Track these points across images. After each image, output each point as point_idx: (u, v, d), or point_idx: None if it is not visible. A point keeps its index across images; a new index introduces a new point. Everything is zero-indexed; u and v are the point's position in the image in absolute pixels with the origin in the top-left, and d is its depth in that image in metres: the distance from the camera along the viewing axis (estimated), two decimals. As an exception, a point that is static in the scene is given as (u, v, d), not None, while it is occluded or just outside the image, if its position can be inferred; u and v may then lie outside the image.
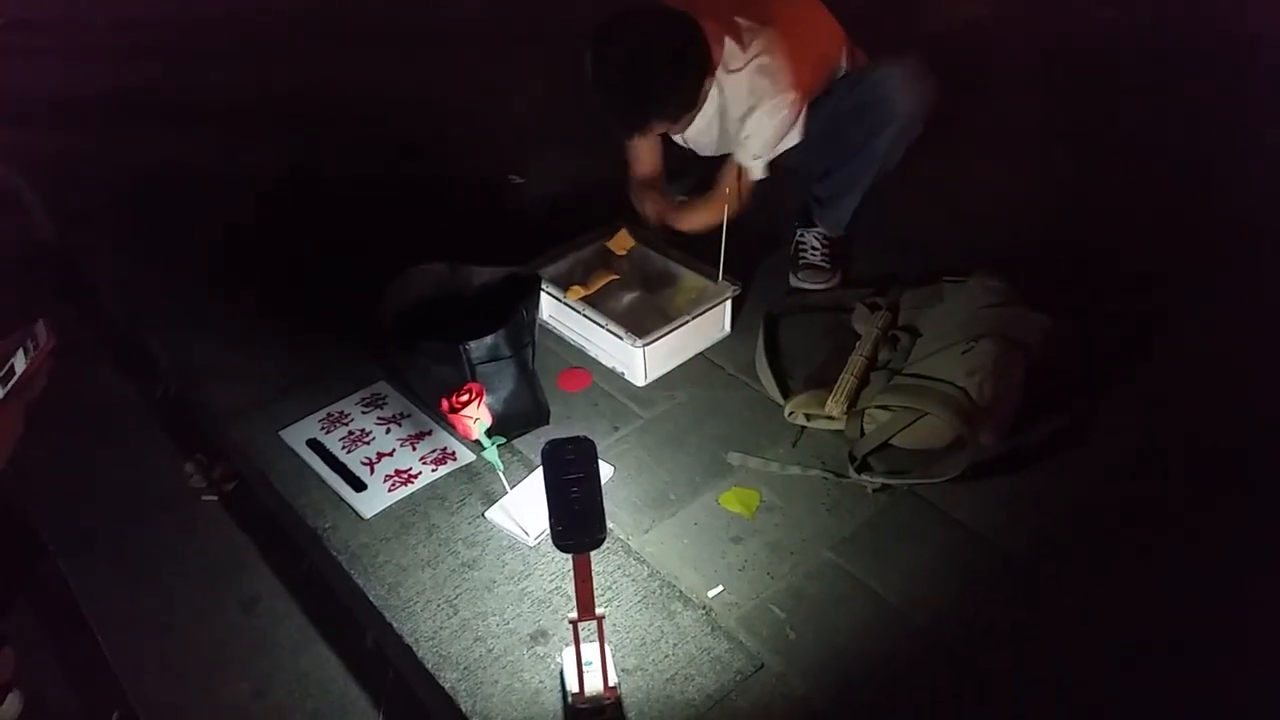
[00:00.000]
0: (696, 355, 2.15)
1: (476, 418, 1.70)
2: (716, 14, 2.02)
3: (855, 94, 2.14)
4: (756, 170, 2.14)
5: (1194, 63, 3.38)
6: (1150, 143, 2.94)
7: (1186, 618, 1.57)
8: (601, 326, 2.06)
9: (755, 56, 2.01)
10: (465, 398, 1.69)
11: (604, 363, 2.14)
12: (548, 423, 1.99)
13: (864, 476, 1.81)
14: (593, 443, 1.28)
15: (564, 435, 1.29)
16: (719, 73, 2.03)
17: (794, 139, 2.10)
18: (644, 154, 2.31)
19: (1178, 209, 2.62)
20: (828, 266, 2.34)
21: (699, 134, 2.20)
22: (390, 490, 1.84)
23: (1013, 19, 3.83)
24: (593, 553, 1.30)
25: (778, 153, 2.12)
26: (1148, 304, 2.26)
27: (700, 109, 2.07)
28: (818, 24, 2.18)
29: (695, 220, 2.26)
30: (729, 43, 2.01)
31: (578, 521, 1.26)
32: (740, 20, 2.03)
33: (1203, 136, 2.94)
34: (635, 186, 2.35)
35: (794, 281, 2.36)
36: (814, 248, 2.36)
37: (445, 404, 1.70)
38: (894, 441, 1.86)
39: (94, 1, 4.23)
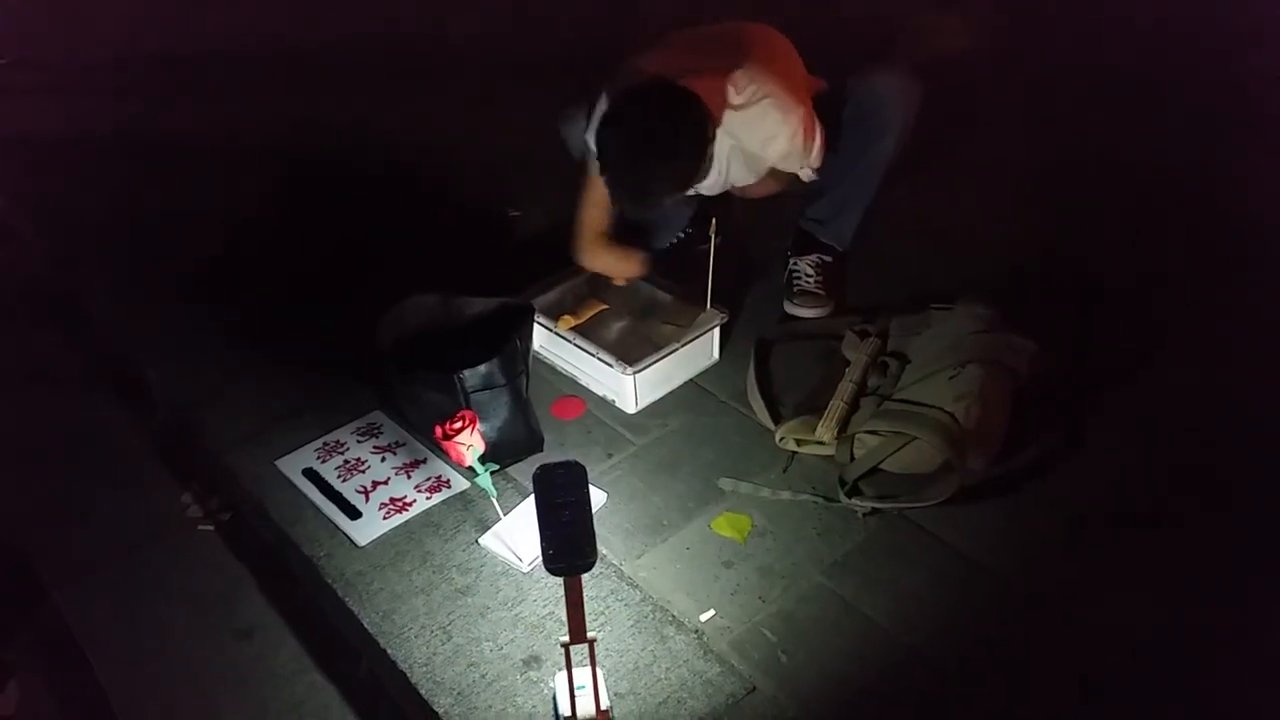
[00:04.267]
0: (687, 382, 2.18)
1: (470, 444, 1.72)
2: (702, 65, 2.05)
3: (850, 106, 2.19)
4: (806, 175, 2.19)
5: (1178, 91, 3.43)
6: (1134, 171, 2.98)
7: (1178, 639, 1.58)
8: (592, 355, 2.09)
9: (754, 93, 2.03)
10: (459, 424, 1.71)
11: (596, 391, 2.16)
12: (541, 450, 2.01)
13: (854, 501, 1.83)
14: (583, 467, 1.29)
15: (557, 461, 1.31)
16: (724, 121, 2.05)
17: (821, 141, 2.12)
18: (601, 213, 2.25)
19: (1162, 234, 2.66)
20: (823, 293, 2.37)
21: (707, 185, 2.22)
22: (385, 518, 1.86)
23: (995, 52, 3.89)
24: (585, 578, 1.32)
25: (818, 160, 2.15)
26: (1134, 327, 2.29)
27: (708, 170, 2.10)
28: (785, 51, 2.21)
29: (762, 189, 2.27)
30: (727, 88, 2.03)
31: (569, 545, 1.27)
32: (724, 64, 2.05)
33: (1187, 163, 2.98)
34: (595, 248, 2.27)
35: (790, 308, 2.39)
36: (808, 275, 2.39)
37: (439, 431, 1.72)
38: (884, 466, 1.88)
39: (95, 41, 4.29)
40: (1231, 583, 1.67)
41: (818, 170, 2.17)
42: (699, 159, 2.03)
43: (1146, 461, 1.93)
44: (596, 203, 2.21)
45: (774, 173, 2.22)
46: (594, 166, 2.10)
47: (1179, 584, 1.68)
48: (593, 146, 2.04)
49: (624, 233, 2.29)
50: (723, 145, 2.09)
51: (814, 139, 2.10)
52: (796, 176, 2.21)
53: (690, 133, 1.98)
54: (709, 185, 2.21)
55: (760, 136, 2.08)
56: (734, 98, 2.04)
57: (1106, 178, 2.95)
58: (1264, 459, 1.91)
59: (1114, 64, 3.73)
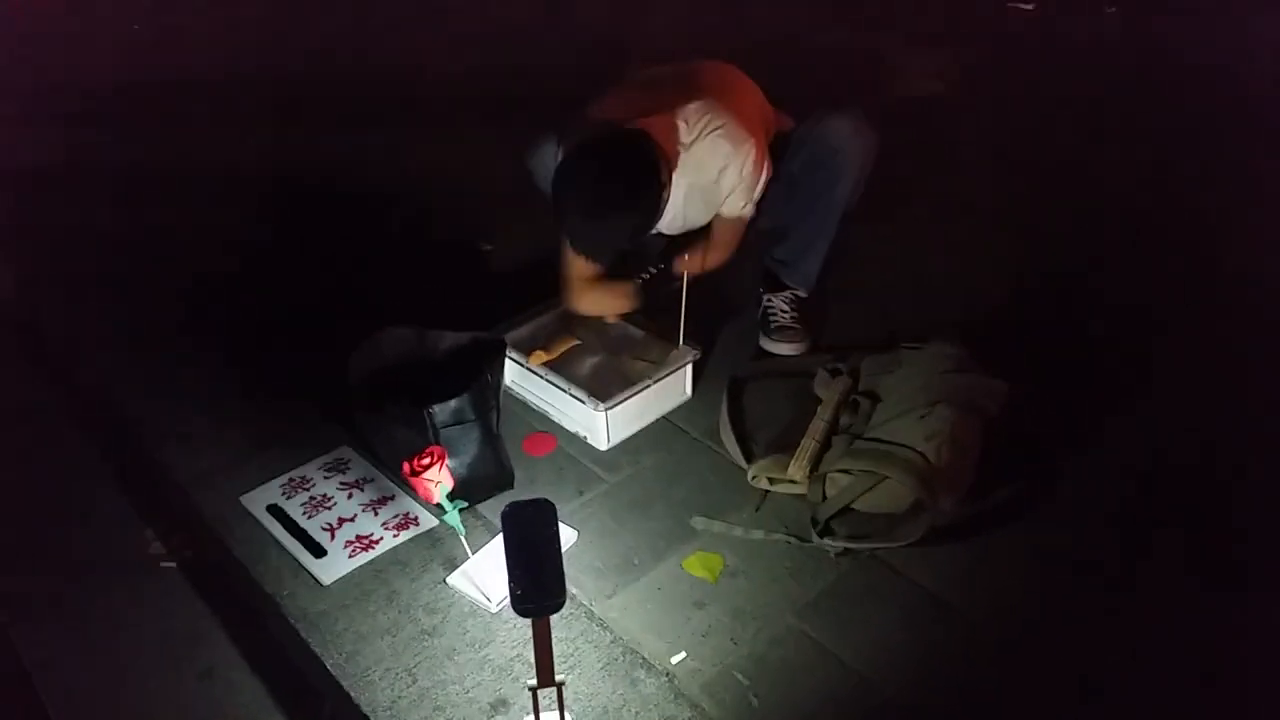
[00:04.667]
0: (660, 419, 2.17)
1: (438, 481, 1.70)
2: (657, 104, 2.08)
3: (806, 149, 2.22)
4: (749, 211, 2.19)
5: (1157, 131, 3.51)
6: (1111, 210, 3.03)
7: (1151, 682, 1.58)
8: (564, 391, 2.08)
9: (705, 127, 2.06)
10: (427, 461, 1.69)
11: (568, 427, 2.15)
12: (512, 486, 1.99)
13: (826, 541, 1.82)
14: (553, 505, 1.28)
15: (527, 499, 1.30)
16: (679, 159, 2.07)
17: (767, 175, 2.15)
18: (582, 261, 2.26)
19: (1139, 274, 2.70)
20: (799, 328, 2.38)
21: (665, 225, 2.23)
22: (351, 556, 1.83)
23: (970, 93, 3.97)
24: (555, 618, 1.30)
25: (759, 194, 2.16)
26: (1107, 367, 2.31)
27: (663, 212, 2.11)
28: (741, 87, 2.24)
29: (697, 265, 2.26)
30: (678, 124, 2.06)
31: (537, 585, 1.25)
32: (678, 101, 2.08)
33: (1163, 202, 3.04)
34: (585, 291, 2.27)
35: (767, 345, 2.39)
36: (784, 310, 2.40)
37: (407, 467, 1.70)
38: (855, 505, 1.88)
39: (71, 70, 4.27)
40: (1208, 625, 1.67)
41: (760, 206, 2.19)
42: (653, 208, 2.05)
43: (1117, 503, 1.94)
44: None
45: (721, 229, 2.23)
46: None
47: (1153, 626, 1.68)
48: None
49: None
50: (679, 185, 2.10)
51: (761, 173, 2.13)
52: (744, 234, 2.24)
53: (643, 181, 1.99)
54: (666, 224, 2.22)
55: (714, 168, 2.10)
56: (685, 135, 2.07)
57: (1082, 217, 3.00)
58: (1244, 504, 1.92)
59: (1089, 99, 3.82)
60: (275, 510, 1.93)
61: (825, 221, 2.28)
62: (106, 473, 2.30)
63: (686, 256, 2.25)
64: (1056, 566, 1.81)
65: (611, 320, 2.32)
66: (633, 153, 1.99)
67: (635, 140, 2.00)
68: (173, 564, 2.07)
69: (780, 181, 2.21)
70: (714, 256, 2.28)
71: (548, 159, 2.15)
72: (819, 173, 2.22)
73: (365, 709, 1.55)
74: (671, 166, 2.05)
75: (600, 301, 2.29)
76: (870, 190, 2.28)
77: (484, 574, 1.74)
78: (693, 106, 2.07)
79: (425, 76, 4.22)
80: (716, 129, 2.07)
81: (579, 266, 2.21)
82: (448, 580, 1.77)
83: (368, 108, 3.87)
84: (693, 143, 2.07)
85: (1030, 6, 4.91)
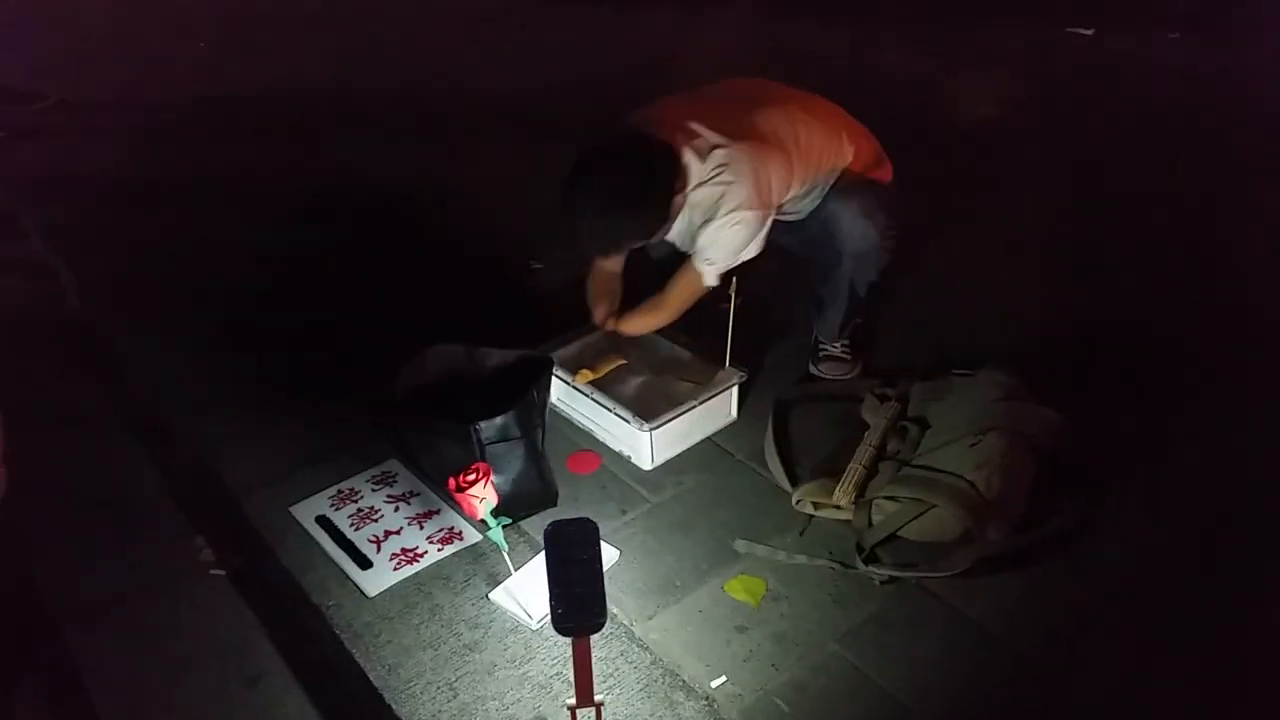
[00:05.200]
0: (704, 440, 2.17)
1: (482, 497, 1.71)
2: (695, 122, 2.06)
3: (816, 223, 2.20)
4: (709, 276, 2.14)
5: (1220, 161, 3.44)
6: (1169, 240, 2.97)
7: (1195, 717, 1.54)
8: (609, 410, 2.08)
9: (715, 171, 2.04)
10: (472, 477, 1.70)
11: (612, 446, 2.15)
12: (555, 504, 1.99)
13: (871, 568, 1.80)
14: (595, 525, 1.28)
15: (570, 517, 1.30)
16: (689, 183, 2.05)
17: (752, 252, 2.12)
18: (606, 288, 2.32)
19: (1190, 304, 2.64)
20: (848, 357, 2.36)
21: (674, 236, 2.21)
22: (396, 569, 1.85)
23: (1026, 118, 3.92)
24: (594, 638, 1.30)
25: (734, 264, 2.13)
26: (1160, 399, 2.26)
27: (672, 222, 2.10)
28: (806, 135, 2.15)
29: (637, 325, 2.26)
30: (692, 157, 2.04)
31: (578, 604, 1.25)
32: (705, 133, 2.06)
33: (1219, 234, 2.98)
34: (594, 280, 2.32)
35: (814, 371, 2.38)
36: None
37: (452, 483, 1.72)
38: (902, 533, 1.85)
39: (131, 85, 4.40)
40: (1256, 662, 1.63)
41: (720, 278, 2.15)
42: (664, 212, 2.04)
43: (1168, 538, 1.89)
44: (602, 279, 2.28)
45: (676, 282, 2.19)
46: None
47: (1199, 662, 1.63)
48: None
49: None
50: (684, 213, 2.10)
51: (746, 247, 2.09)
52: (692, 303, 2.21)
53: (660, 183, 2.00)
54: (675, 234, 2.19)
55: (704, 215, 2.08)
56: (695, 173, 2.04)
57: (1138, 245, 2.94)
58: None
59: (1147, 131, 3.76)
60: (324, 521, 1.96)
61: (837, 289, 2.27)
62: (159, 481, 2.34)
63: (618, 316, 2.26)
64: (1105, 600, 1.77)
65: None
66: (651, 154, 1.99)
67: (653, 145, 2.00)
68: (222, 572, 2.11)
69: (805, 240, 2.21)
70: (653, 317, 2.24)
71: None
72: (823, 249, 2.21)
73: (406, 722, 1.56)
74: (685, 183, 2.04)
75: (589, 297, 2.30)
76: (918, 216, 2.25)
77: (526, 591, 1.75)
78: (715, 150, 2.04)
79: (479, 94, 4.27)
80: (722, 180, 2.03)
81: (600, 281, 2.25)
82: (490, 596, 1.78)
83: (421, 126, 3.93)
84: (699, 185, 2.05)
85: (1089, 31, 4.85)
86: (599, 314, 2.29)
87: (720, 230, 2.06)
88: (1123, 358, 2.43)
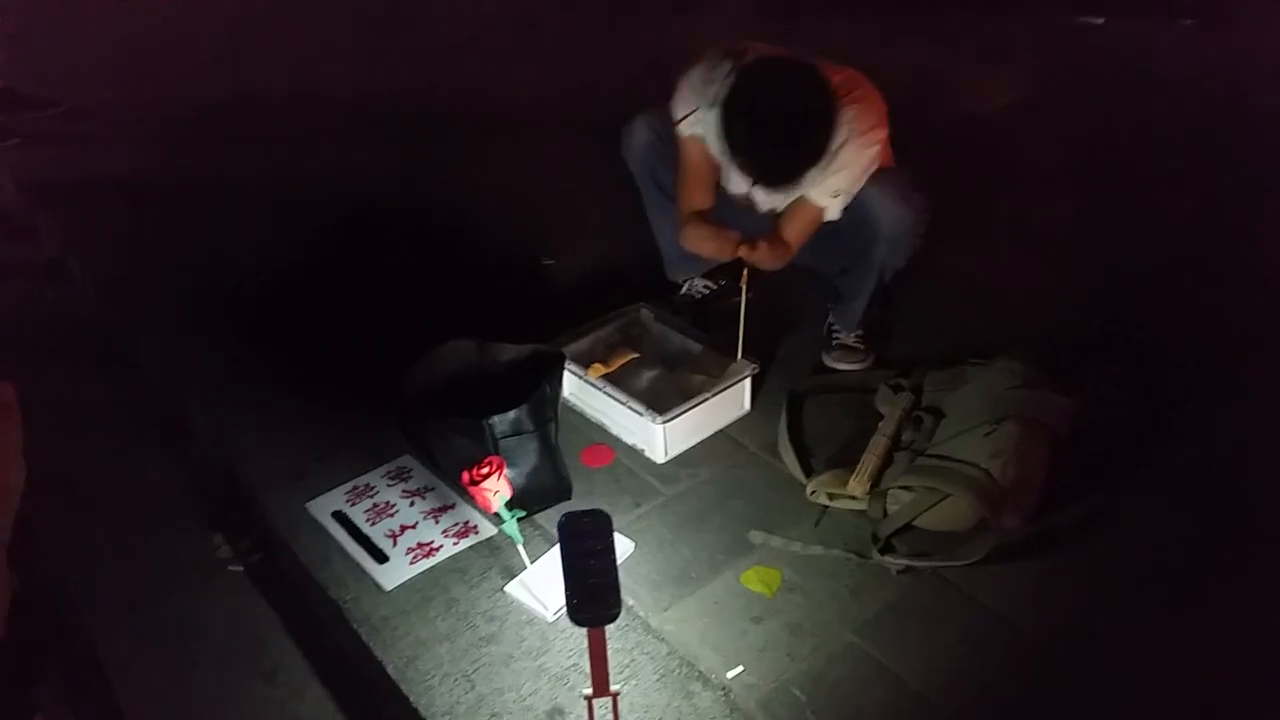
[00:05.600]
0: (717, 432, 2.17)
1: (496, 490, 1.71)
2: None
3: (850, 208, 2.15)
4: (834, 209, 2.11)
5: (1227, 149, 3.41)
6: (1181, 231, 2.95)
7: (1214, 708, 1.53)
8: (622, 403, 2.08)
9: (851, 94, 2.00)
10: (486, 470, 1.71)
11: (625, 439, 2.15)
12: (569, 498, 2.00)
13: (887, 558, 1.79)
14: (609, 516, 1.29)
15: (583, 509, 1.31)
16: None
17: (864, 180, 2.08)
18: (700, 191, 2.24)
19: (1205, 295, 2.62)
20: (861, 347, 2.35)
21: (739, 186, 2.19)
22: (412, 563, 1.85)
23: (1037, 108, 3.90)
24: (611, 629, 1.30)
25: (854, 194, 2.09)
26: (1175, 387, 2.25)
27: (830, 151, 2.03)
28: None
29: (768, 258, 2.16)
30: (831, 77, 2.00)
31: (593, 595, 1.26)
32: (829, 63, 2.04)
33: (1236, 223, 2.96)
34: (698, 225, 2.23)
35: (827, 361, 2.37)
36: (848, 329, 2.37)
37: (466, 476, 1.72)
38: (917, 523, 1.85)
39: (145, 89, 4.41)
40: (1276, 652, 1.62)
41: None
42: (831, 132, 1.97)
43: (1185, 526, 1.88)
44: (693, 185, 2.21)
45: (796, 216, 2.15)
46: (690, 147, 2.12)
47: (1217, 649, 1.63)
48: (708, 129, 2.03)
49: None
50: None
51: (872, 166, 2.07)
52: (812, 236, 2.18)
53: (825, 100, 1.94)
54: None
55: (839, 138, 2.00)
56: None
57: (1153, 237, 2.92)
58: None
59: (1160, 121, 3.73)
60: (340, 516, 1.97)
61: (865, 276, 2.25)
62: (177, 479, 2.36)
63: (753, 243, 2.16)
64: (1123, 588, 1.76)
65: (708, 256, 2.28)
66: (817, 77, 1.94)
67: (817, 69, 1.96)
68: (240, 568, 2.12)
69: (832, 227, 2.17)
70: (778, 250, 2.15)
71: (637, 134, 2.22)
72: (855, 235, 2.18)
73: (424, 713, 1.57)
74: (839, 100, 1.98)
75: (703, 240, 2.22)
76: (936, 207, 2.24)
77: (541, 583, 1.75)
78: (846, 72, 2.02)
79: (491, 94, 4.27)
80: (859, 98, 2.00)
81: (691, 201, 2.21)
82: (505, 589, 1.78)
83: (433, 124, 3.93)
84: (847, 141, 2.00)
85: (1100, 20, 4.81)
86: (732, 243, 2.17)
87: (860, 151, 2.02)
88: (1139, 347, 2.41)
